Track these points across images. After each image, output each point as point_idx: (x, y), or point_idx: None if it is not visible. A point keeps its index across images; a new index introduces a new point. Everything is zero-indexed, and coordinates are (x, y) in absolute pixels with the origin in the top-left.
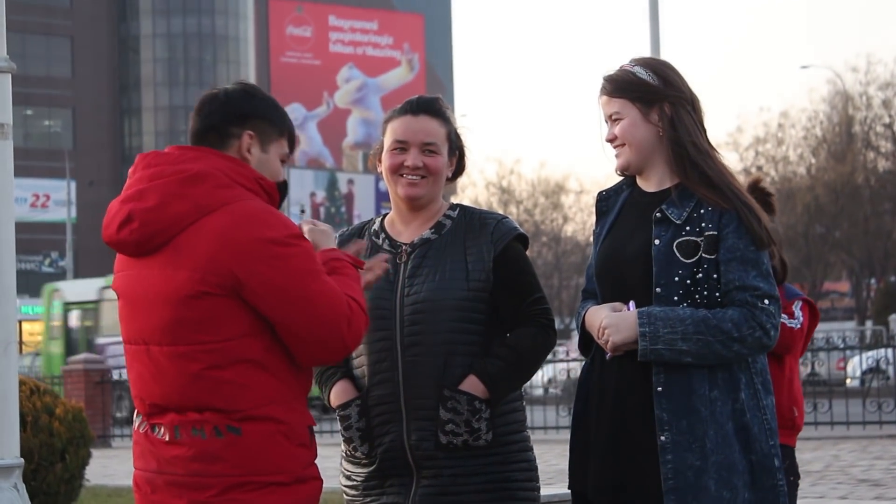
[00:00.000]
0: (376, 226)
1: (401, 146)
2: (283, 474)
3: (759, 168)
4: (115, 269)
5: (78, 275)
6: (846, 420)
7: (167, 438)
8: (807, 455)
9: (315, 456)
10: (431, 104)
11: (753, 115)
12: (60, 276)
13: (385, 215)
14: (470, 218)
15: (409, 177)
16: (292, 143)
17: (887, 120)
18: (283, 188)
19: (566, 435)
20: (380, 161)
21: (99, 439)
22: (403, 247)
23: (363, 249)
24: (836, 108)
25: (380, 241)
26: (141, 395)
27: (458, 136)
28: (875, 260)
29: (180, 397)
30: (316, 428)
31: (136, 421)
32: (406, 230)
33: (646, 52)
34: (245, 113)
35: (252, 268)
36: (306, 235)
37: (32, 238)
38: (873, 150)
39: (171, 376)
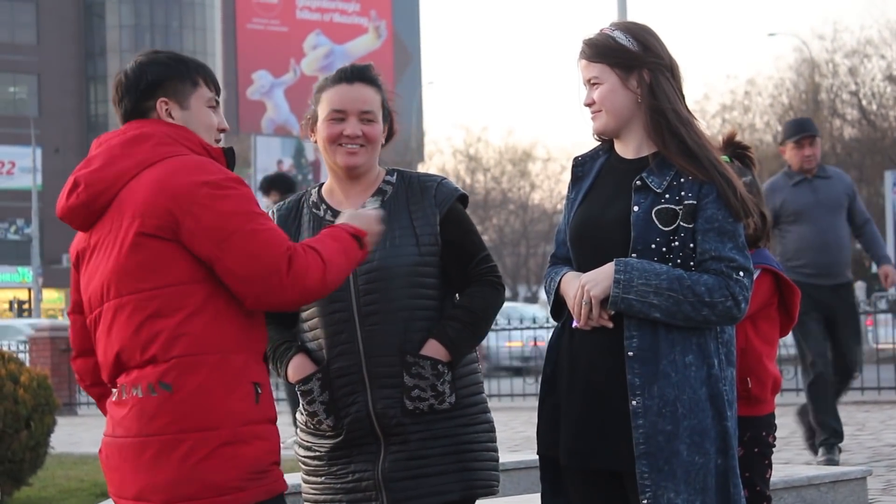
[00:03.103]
0: (314, 197)
1: (339, 115)
2: (218, 430)
3: None
4: (71, 250)
5: (43, 242)
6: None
7: (117, 399)
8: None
9: (267, 416)
10: (366, 71)
11: (720, 83)
12: (26, 243)
13: (321, 185)
14: (409, 182)
15: (349, 146)
16: (210, 82)
17: (853, 87)
18: (229, 154)
19: (532, 402)
20: (312, 131)
21: (64, 407)
22: None
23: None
24: (802, 75)
25: (321, 213)
26: (101, 361)
27: (386, 102)
28: None
29: (125, 353)
30: None
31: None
32: (347, 200)
33: (613, 17)
34: (148, 84)
35: (188, 208)
36: (344, 215)
37: None
38: (839, 117)
39: (117, 331)
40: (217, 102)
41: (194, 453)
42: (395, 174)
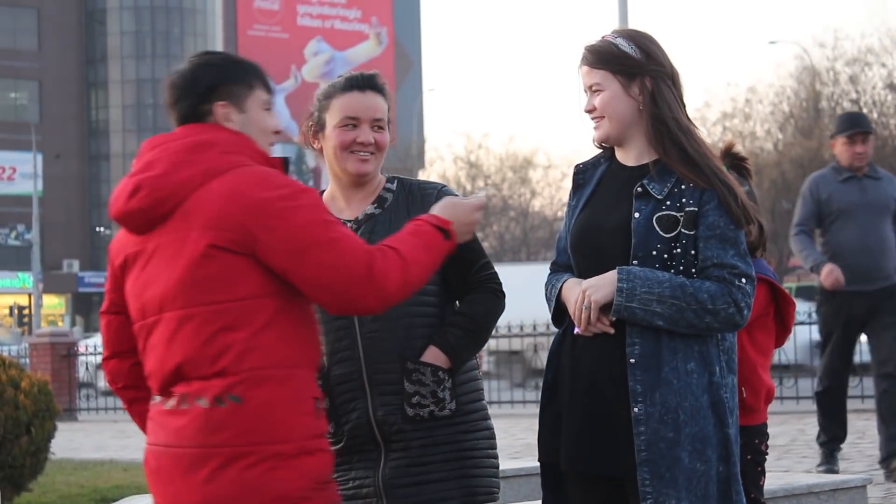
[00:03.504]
0: None
1: (352, 122)
2: (286, 444)
3: None
4: (116, 251)
5: (44, 248)
6: (812, 395)
7: (174, 408)
8: (773, 429)
9: (324, 429)
10: (375, 80)
11: (721, 90)
12: (26, 249)
13: (322, 192)
14: (410, 190)
15: (362, 153)
16: (265, 84)
17: (854, 95)
18: (285, 164)
19: (532, 409)
20: (314, 137)
21: (65, 412)
22: (348, 224)
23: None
24: (803, 83)
25: None
26: (153, 368)
27: (390, 112)
28: None
29: (189, 364)
30: None
31: (152, 399)
32: (348, 207)
33: (614, 25)
34: (206, 87)
35: (263, 222)
36: (447, 208)
37: None
38: None
39: (181, 341)
40: (272, 104)
41: (262, 464)
42: (396, 181)
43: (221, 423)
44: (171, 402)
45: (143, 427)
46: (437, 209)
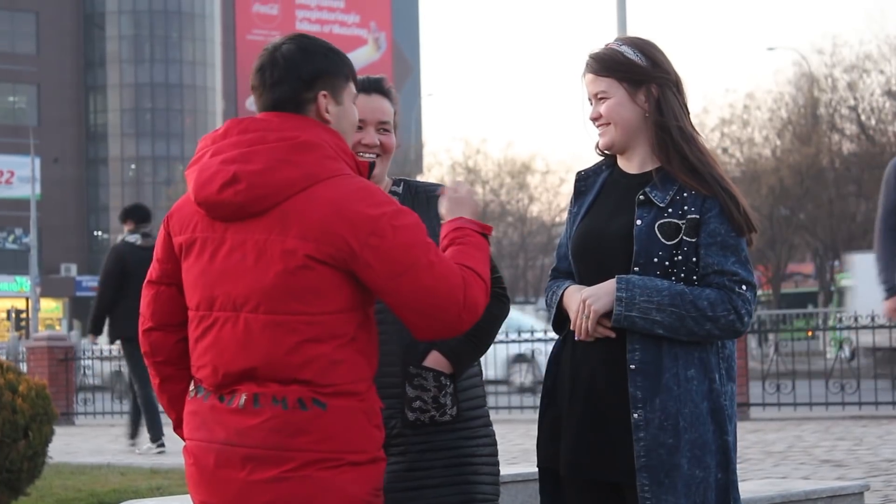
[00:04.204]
0: None
1: (358, 125)
2: (360, 454)
3: (725, 150)
4: (179, 226)
5: (42, 252)
6: (809, 401)
7: (242, 407)
8: (770, 436)
9: (384, 438)
10: (381, 84)
11: (719, 97)
12: (24, 252)
13: None
14: (416, 192)
15: (367, 155)
16: (356, 78)
17: (852, 102)
18: (371, 169)
19: (530, 415)
20: None
21: (62, 417)
22: None
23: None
24: (801, 90)
25: None
26: (216, 363)
27: (396, 116)
28: (839, 242)
29: (268, 367)
30: None
31: (194, 392)
32: None
33: (613, 32)
34: (311, 75)
35: (366, 240)
36: (444, 204)
37: None
38: (838, 132)
39: (261, 345)
40: (357, 96)
41: (338, 469)
42: (402, 184)
43: (303, 426)
44: (239, 401)
45: (169, 410)
46: (468, 213)
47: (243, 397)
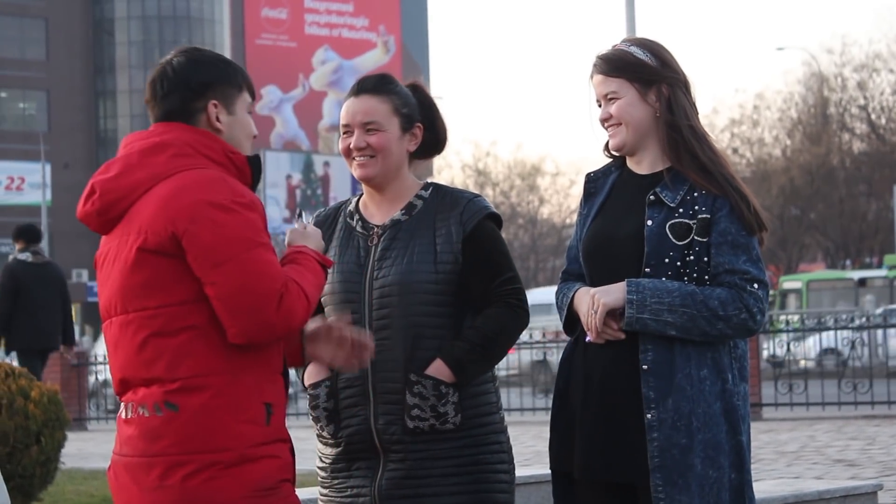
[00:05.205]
0: (352, 206)
1: (347, 129)
2: (223, 452)
3: (735, 150)
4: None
5: (53, 258)
6: (822, 401)
7: (126, 417)
8: (783, 436)
9: (276, 435)
10: (371, 82)
11: (729, 97)
12: None
13: (361, 195)
14: (442, 197)
15: (359, 158)
16: (251, 89)
17: (862, 101)
18: (255, 163)
19: (542, 417)
20: None
21: (75, 422)
22: (375, 229)
23: (348, 321)
24: (811, 89)
25: (353, 223)
26: (112, 371)
27: (413, 109)
28: (850, 241)
29: (132, 369)
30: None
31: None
32: (378, 211)
33: (622, 33)
34: (201, 84)
35: (187, 227)
36: (289, 235)
37: (7, 221)
38: (848, 131)
39: (122, 347)
40: (252, 106)
41: (199, 474)
42: (431, 188)
43: (159, 431)
44: (125, 411)
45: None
46: (313, 245)
47: (125, 408)
